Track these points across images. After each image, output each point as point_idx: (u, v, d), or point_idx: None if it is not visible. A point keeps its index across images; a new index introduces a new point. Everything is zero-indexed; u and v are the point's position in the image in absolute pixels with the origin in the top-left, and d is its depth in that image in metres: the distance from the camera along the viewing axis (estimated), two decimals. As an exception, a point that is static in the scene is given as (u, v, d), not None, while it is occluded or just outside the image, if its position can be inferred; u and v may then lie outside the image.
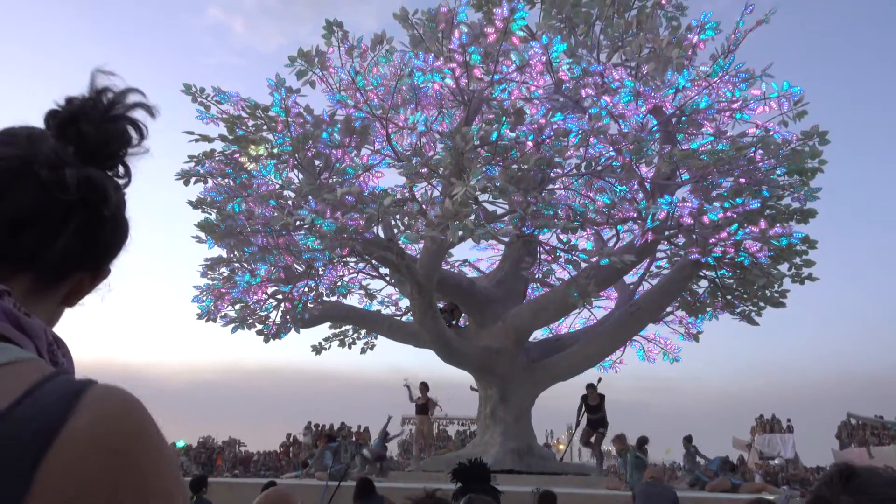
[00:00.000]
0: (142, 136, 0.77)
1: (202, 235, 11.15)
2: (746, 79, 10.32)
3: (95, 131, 0.74)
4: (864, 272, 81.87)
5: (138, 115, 0.77)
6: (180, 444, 23.43)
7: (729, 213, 9.79)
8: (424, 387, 13.33)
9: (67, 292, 0.76)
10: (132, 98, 0.77)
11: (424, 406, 13.30)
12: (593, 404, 12.95)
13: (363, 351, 15.52)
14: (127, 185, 0.78)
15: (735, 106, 10.67)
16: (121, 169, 0.78)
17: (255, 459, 24.16)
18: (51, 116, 0.75)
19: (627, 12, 10.73)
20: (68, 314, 0.80)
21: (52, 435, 0.54)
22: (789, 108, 10.31)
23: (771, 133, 10.56)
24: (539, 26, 10.89)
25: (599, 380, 13.22)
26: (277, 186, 10.80)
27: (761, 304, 12.35)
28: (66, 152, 0.71)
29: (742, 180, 10.23)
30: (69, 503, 0.53)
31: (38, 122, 0.77)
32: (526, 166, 9.73)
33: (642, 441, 11.76)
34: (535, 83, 10.15)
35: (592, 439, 13.31)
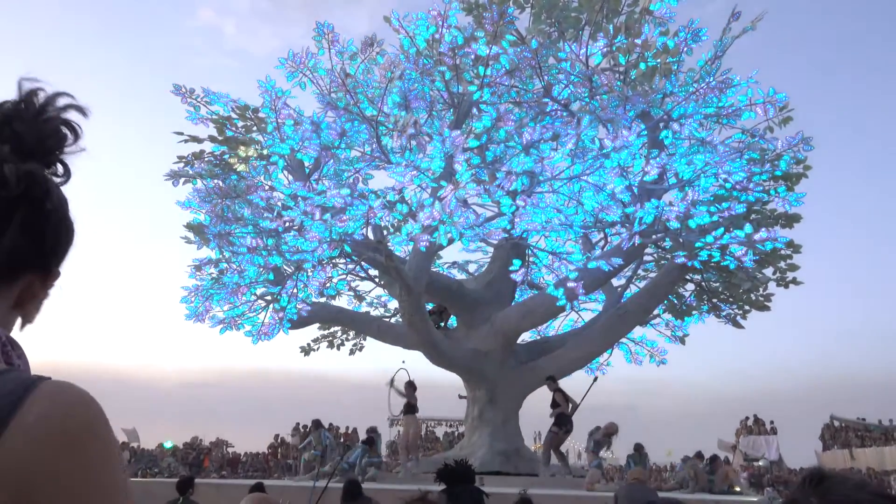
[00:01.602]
0: (76, 136, 0.78)
1: (191, 236, 11.12)
2: (732, 85, 10.43)
3: (30, 130, 0.74)
4: (849, 275, 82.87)
5: (71, 115, 0.77)
6: (168, 445, 23.27)
7: (715, 217, 9.90)
8: (410, 386, 12.54)
9: (19, 296, 0.74)
10: (63, 101, 0.77)
11: (412, 406, 12.68)
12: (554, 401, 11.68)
13: (352, 352, 15.54)
14: (65, 182, 0.78)
15: (722, 112, 10.79)
16: (59, 168, 0.77)
17: (243, 461, 24.05)
18: None
19: (616, 17, 10.82)
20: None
21: (2, 426, 0.57)
22: (775, 114, 10.44)
23: (757, 139, 10.69)
24: (529, 31, 10.96)
25: (595, 378, 12.65)
26: (267, 188, 10.80)
27: (747, 307, 12.52)
28: (2, 151, 0.72)
29: (728, 185, 10.34)
30: (19, 490, 0.56)
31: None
32: (517, 169, 9.80)
33: (638, 447, 11.91)
34: (525, 87, 10.20)
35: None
